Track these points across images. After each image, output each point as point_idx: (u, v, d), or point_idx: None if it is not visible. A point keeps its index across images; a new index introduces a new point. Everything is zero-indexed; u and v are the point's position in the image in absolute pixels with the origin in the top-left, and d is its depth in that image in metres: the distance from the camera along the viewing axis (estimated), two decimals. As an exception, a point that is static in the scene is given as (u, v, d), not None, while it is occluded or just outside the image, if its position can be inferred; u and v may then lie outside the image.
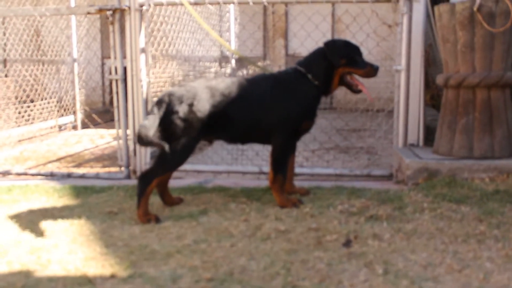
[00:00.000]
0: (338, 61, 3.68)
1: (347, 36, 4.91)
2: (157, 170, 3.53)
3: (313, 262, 2.64)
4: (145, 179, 3.51)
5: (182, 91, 3.55)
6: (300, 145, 4.03)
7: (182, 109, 3.47)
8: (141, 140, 3.36)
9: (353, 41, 3.83)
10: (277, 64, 9.67)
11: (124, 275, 2.56)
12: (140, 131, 3.36)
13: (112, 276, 2.56)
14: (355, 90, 3.80)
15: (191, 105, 3.48)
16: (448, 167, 3.99)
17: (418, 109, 4.54)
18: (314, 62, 3.75)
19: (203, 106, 3.52)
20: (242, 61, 7.98)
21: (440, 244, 2.85)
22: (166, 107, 3.49)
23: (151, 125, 3.40)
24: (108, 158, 6.01)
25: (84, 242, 3.05)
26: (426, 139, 4.60)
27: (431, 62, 5.63)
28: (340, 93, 9.25)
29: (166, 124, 3.48)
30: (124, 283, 2.47)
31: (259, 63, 9.35)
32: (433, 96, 6.25)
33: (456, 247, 2.81)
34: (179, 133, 3.47)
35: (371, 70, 3.75)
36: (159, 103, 3.53)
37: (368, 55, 4.33)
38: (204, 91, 3.56)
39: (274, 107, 3.64)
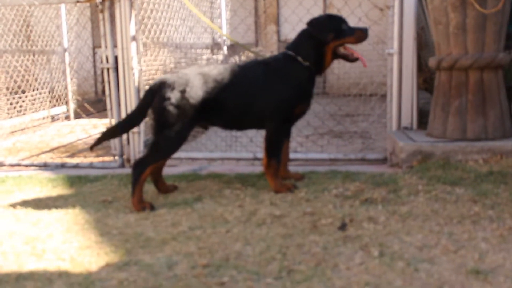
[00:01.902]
0: (327, 37, 3.66)
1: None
2: (150, 158, 3.52)
3: (308, 246, 2.65)
4: (139, 167, 3.50)
5: (174, 78, 3.53)
6: (294, 130, 4.02)
7: (174, 96, 3.45)
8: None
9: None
10: (269, 50, 9.62)
11: (120, 263, 2.55)
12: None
13: (108, 264, 2.55)
14: (351, 59, 3.78)
15: (183, 92, 3.47)
16: (442, 149, 3.99)
17: (411, 92, 4.54)
18: (302, 43, 3.72)
19: (196, 93, 3.50)
20: (234, 48, 7.94)
21: (435, 225, 2.86)
22: (158, 94, 3.48)
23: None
24: (101, 147, 5.94)
25: (79, 231, 3.04)
26: (419, 122, 4.60)
27: (423, 45, 5.61)
28: (333, 78, 9.24)
29: (158, 111, 3.47)
30: (119, 271, 2.46)
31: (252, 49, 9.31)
32: (426, 79, 6.23)
33: (451, 228, 2.81)
34: (172, 120, 3.45)
35: (361, 34, 3.73)
36: (150, 90, 3.52)
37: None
38: (197, 78, 3.54)
39: (267, 92, 3.62)
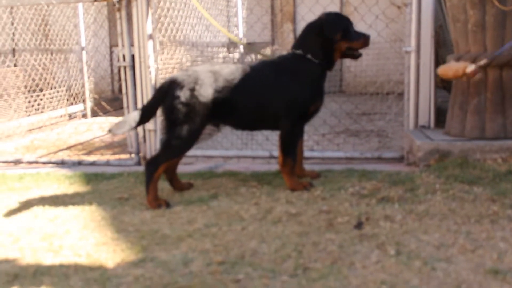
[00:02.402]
0: (335, 35, 3.66)
1: (355, 19, 4.84)
2: (162, 156, 3.52)
3: (324, 244, 2.63)
4: (151, 165, 3.51)
5: (184, 76, 3.53)
6: (310, 129, 4.02)
7: (183, 94, 3.46)
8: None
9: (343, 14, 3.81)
10: (285, 49, 9.60)
11: (135, 260, 2.56)
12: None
13: (123, 261, 2.56)
14: (356, 55, 3.82)
15: (192, 90, 3.47)
16: (460, 148, 3.95)
17: (428, 90, 4.49)
18: (309, 41, 3.70)
19: (206, 91, 3.49)
20: (250, 47, 7.93)
21: (452, 224, 2.83)
22: (169, 92, 3.48)
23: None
24: (118, 145, 6.01)
25: (95, 228, 3.06)
26: (437, 121, 4.55)
27: (441, 43, 5.56)
28: (350, 76, 9.19)
29: (168, 109, 3.48)
30: (135, 268, 2.47)
31: (268, 49, 9.30)
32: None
33: (469, 227, 2.78)
34: (182, 119, 3.45)
35: (365, 40, 3.74)
36: (161, 88, 3.54)
37: (377, 37, 4.29)
38: (207, 76, 3.53)
39: (281, 92, 3.61)
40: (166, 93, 3.51)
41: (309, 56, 3.66)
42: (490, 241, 2.60)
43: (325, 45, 3.68)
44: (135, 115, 3.54)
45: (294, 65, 3.68)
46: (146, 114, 3.60)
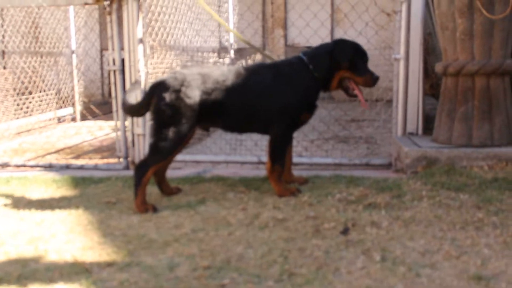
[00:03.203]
0: (343, 61, 3.65)
1: (345, 25, 4.87)
2: (151, 160, 3.53)
3: (310, 250, 2.64)
4: (141, 169, 3.51)
5: (170, 78, 3.54)
6: (299, 135, 4.03)
7: (168, 96, 3.46)
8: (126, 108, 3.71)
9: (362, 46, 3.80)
10: (276, 55, 9.63)
11: (121, 264, 2.55)
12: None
13: (109, 265, 2.55)
14: (350, 94, 3.79)
15: (177, 91, 3.47)
16: (447, 155, 3.97)
17: (417, 97, 4.52)
18: (320, 55, 3.71)
19: (192, 92, 3.49)
20: (241, 52, 7.94)
21: (438, 231, 2.85)
22: (156, 95, 3.49)
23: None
24: (107, 149, 6.00)
25: (81, 232, 3.05)
26: (425, 128, 4.58)
27: (430, 50, 5.61)
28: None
29: (155, 112, 3.49)
30: (121, 272, 2.46)
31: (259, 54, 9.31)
32: (432, 85, 6.22)
33: (454, 234, 2.80)
34: (168, 121, 3.46)
35: (370, 80, 3.71)
36: (149, 91, 3.55)
37: (366, 43, 4.31)
38: (194, 78, 3.54)
39: (273, 97, 3.61)
40: (153, 95, 3.52)
41: (311, 66, 3.67)
42: (474, 247, 2.62)
43: (330, 66, 3.68)
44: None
45: (293, 70, 3.69)
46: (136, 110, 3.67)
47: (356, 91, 3.74)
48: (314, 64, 3.67)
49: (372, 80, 3.71)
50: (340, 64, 3.66)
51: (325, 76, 3.69)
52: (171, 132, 3.46)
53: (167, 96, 3.46)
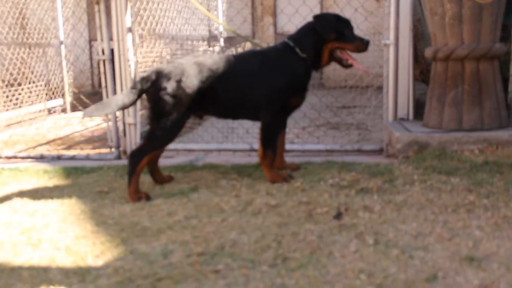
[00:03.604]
0: (328, 35, 3.65)
1: (334, 11, 4.87)
2: (147, 148, 3.52)
3: (304, 235, 2.65)
4: (135, 157, 3.50)
5: (170, 68, 3.53)
6: (290, 122, 4.03)
7: (170, 86, 3.46)
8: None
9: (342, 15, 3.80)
10: (266, 43, 9.61)
11: (115, 252, 2.56)
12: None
13: (103, 253, 2.55)
14: (345, 64, 3.77)
15: (179, 81, 3.47)
16: (438, 140, 4.00)
17: (407, 83, 4.54)
18: (304, 36, 3.72)
19: (192, 82, 3.50)
20: (231, 40, 7.92)
21: (430, 214, 2.87)
22: (154, 84, 3.48)
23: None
24: (98, 139, 5.98)
25: (74, 221, 3.04)
26: (416, 113, 4.60)
27: (420, 36, 5.61)
28: (329, 69, 9.22)
29: (154, 101, 3.48)
30: (114, 260, 2.47)
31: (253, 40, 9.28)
32: (422, 70, 6.23)
33: (446, 217, 2.82)
34: (168, 110, 3.46)
35: (360, 44, 3.70)
36: (145, 79, 3.51)
37: (356, 30, 4.30)
38: (192, 67, 3.55)
39: (262, 82, 3.62)
40: (150, 84, 3.49)
41: (297, 49, 3.67)
42: (466, 229, 2.64)
43: (316, 43, 3.67)
44: (119, 99, 3.50)
45: (280, 55, 3.69)
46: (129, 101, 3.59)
47: (350, 60, 3.73)
48: (300, 45, 3.67)
49: (363, 44, 3.70)
50: (327, 37, 3.65)
51: (314, 54, 3.69)
52: (170, 121, 3.47)
53: (169, 86, 3.45)
